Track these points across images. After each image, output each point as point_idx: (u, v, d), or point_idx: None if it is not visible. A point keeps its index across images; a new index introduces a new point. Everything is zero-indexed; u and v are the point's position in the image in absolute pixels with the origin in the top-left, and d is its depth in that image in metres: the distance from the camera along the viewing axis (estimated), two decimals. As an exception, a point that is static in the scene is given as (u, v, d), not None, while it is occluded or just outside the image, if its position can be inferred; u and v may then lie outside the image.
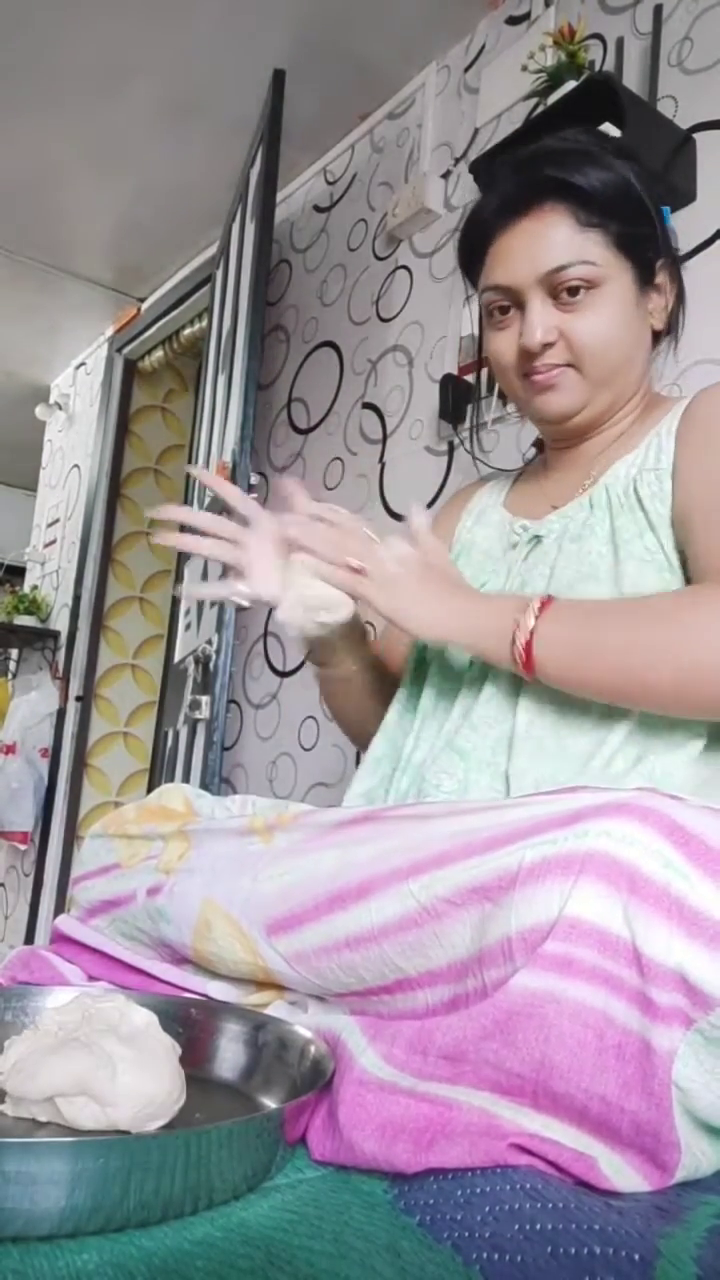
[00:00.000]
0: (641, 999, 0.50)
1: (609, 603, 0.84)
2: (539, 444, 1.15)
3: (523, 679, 0.86)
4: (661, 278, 0.97)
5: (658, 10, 1.74)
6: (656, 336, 1.01)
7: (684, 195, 1.64)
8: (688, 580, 0.87)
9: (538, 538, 0.98)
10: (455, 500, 1.20)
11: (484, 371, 1.46)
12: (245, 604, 0.95)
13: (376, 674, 1.10)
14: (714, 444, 0.90)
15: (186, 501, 2.92)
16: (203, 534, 0.97)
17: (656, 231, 0.95)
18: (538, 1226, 0.42)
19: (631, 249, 0.93)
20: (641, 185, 0.93)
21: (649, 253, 0.95)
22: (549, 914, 0.52)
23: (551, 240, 0.91)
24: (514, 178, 0.95)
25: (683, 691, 0.76)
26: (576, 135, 0.98)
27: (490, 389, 1.88)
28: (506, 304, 0.95)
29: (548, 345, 0.92)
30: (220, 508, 2.29)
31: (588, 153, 0.93)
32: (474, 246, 0.99)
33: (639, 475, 0.93)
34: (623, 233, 0.92)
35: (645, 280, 0.95)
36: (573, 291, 0.91)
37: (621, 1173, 0.50)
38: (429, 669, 1.01)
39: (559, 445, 1.05)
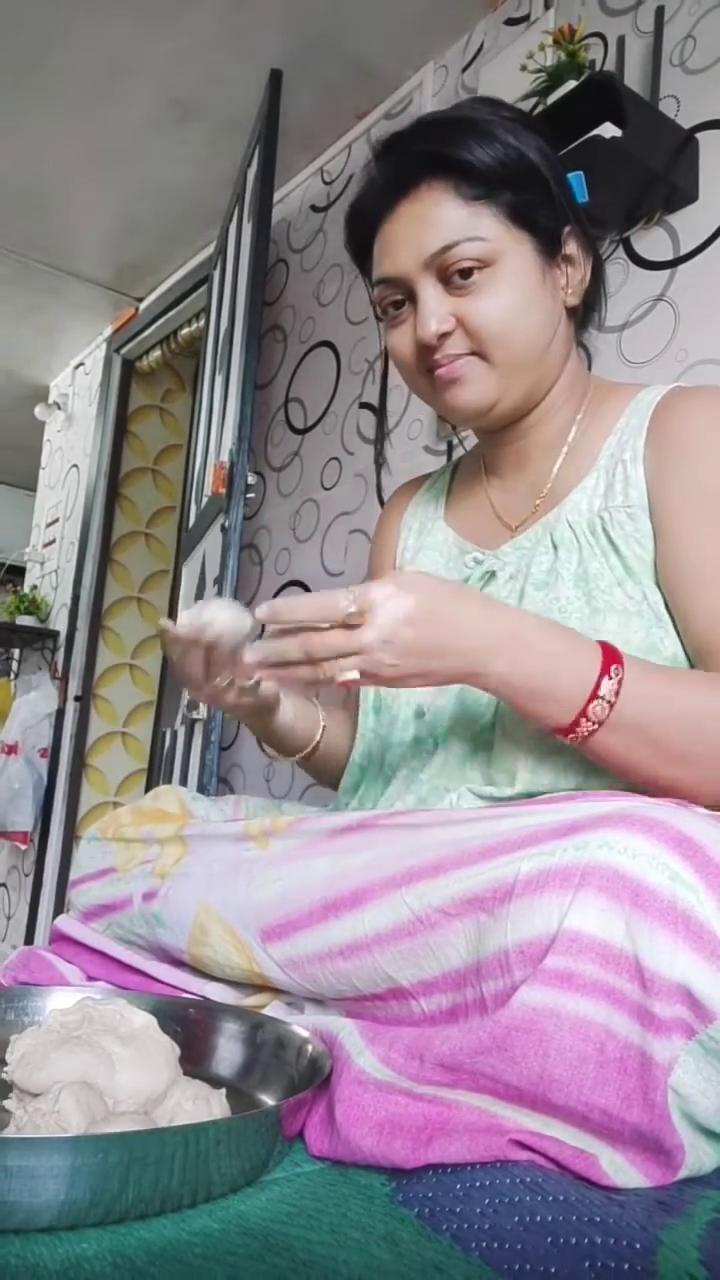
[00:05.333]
0: (643, 1012, 0.49)
1: (671, 680, 0.73)
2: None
3: (445, 774, 0.82)
4: (571, 248, 0.88)
5: (659, 10, 1.75)
6: (576, 313, 0.92)
7: (685, 195, 1.64)
8: (678, 634, 0.80)
9: (492, 573, 0.89)
10: (390, 511, 1.11)
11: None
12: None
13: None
14: (698, 491, 0.80)
15: (185, 502, 2.92)
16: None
17: (555, 197, 0.85)
18: (538, 1218, 0.42)
19: (528, 219, 0.84)
20: (535, 150, 0.84)
21: (550, 221, 0.85)
22: (547, 927, 0.51)
23: (434, 220, 0.82)
24: (387, 159, 0.87)
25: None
26: (460, 106, 0.90)
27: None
28: (399, 297, 0.87)
29: (445, 335, 0.84)
30: (217, 508, 2.29)
31: (466, 121, 0.84)
32: (359, 240, 0.91)
33: (607, 513, 0.84)
34: (515, 201, 0.83)
35: (550, 252, 0.86)
36: (465, 273, 0.82)
37: (623, 1170, 0.49)
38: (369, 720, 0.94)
39: (492, 441, 0.96)
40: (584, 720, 0.68)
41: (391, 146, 0.87)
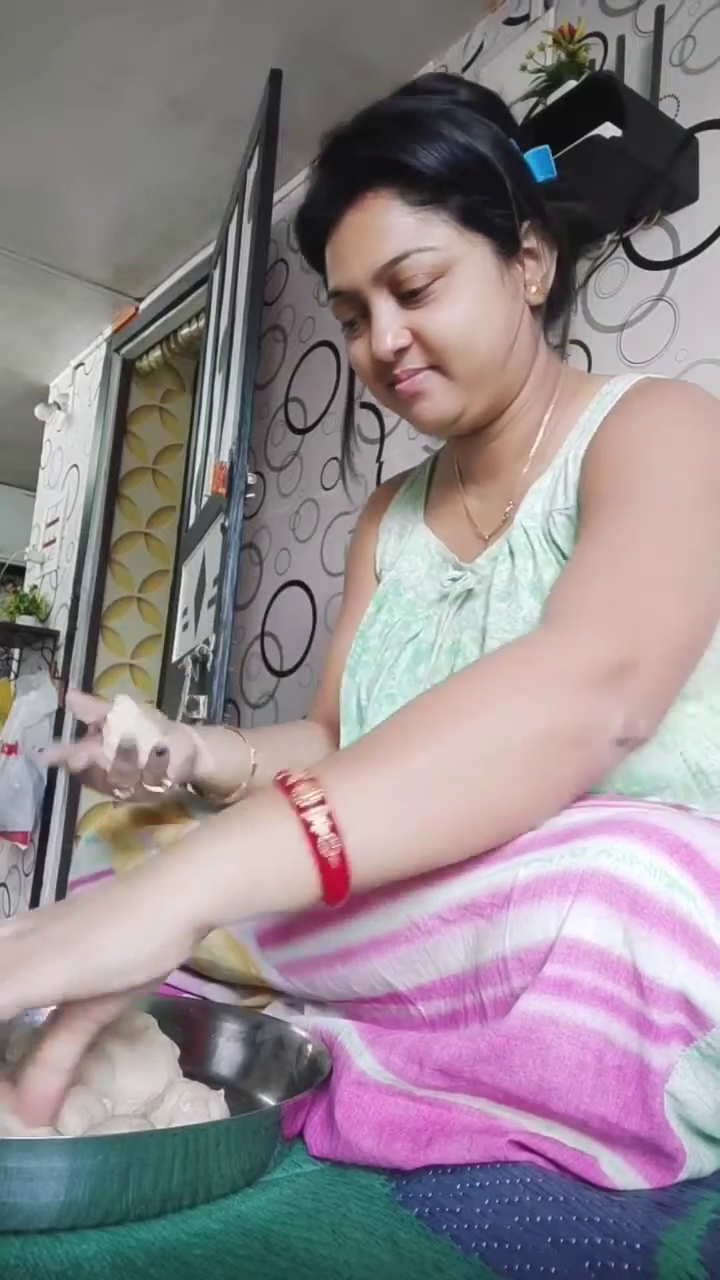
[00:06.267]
0: (640, 1020, 0.49)
1: (385, 766, 0.55)
2: None
3: None
4: (531, 241, 0.83)
5: (659, 10, 1.74)
6: (545, 309, 0.87)
7: (685, 195, 1.64)
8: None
9: (469, 591, 0.86)
10: (369, 513, 1.08)
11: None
12: None
13: None
14: (607, 461, 0.76)
15: (184, 503, 2.92)
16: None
17: (509, 192, 0.79)
18: (538, 1219, 0.42)
19: (481, 220, 0.79)
20: (488, 142, 0.78)
21: (505, 220, 0.80)
22: (546, 935, 0.51)
23: (380, 229, 0.78)
24: (328, 165, 0.82)
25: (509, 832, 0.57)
26: (408, 92, 0.84)
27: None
28: (352, 310, 0.83)
29: (402, 350, 0.80)
30: (217, 508, 2.29)
31: (410, 118, 0.79)
32: (311, 248, 0.87)
33: (551, 517, 0.81)
34: (467, 204, 0.78)
35: (508, 251, 0.81)
36: (418, 285, 0.78)
37: (622, 1172, 0.49)
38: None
39: (464, 445, 0.93)
40: (335, 872, 0.51)
41: (333, 151, 0.82)
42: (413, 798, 0.54)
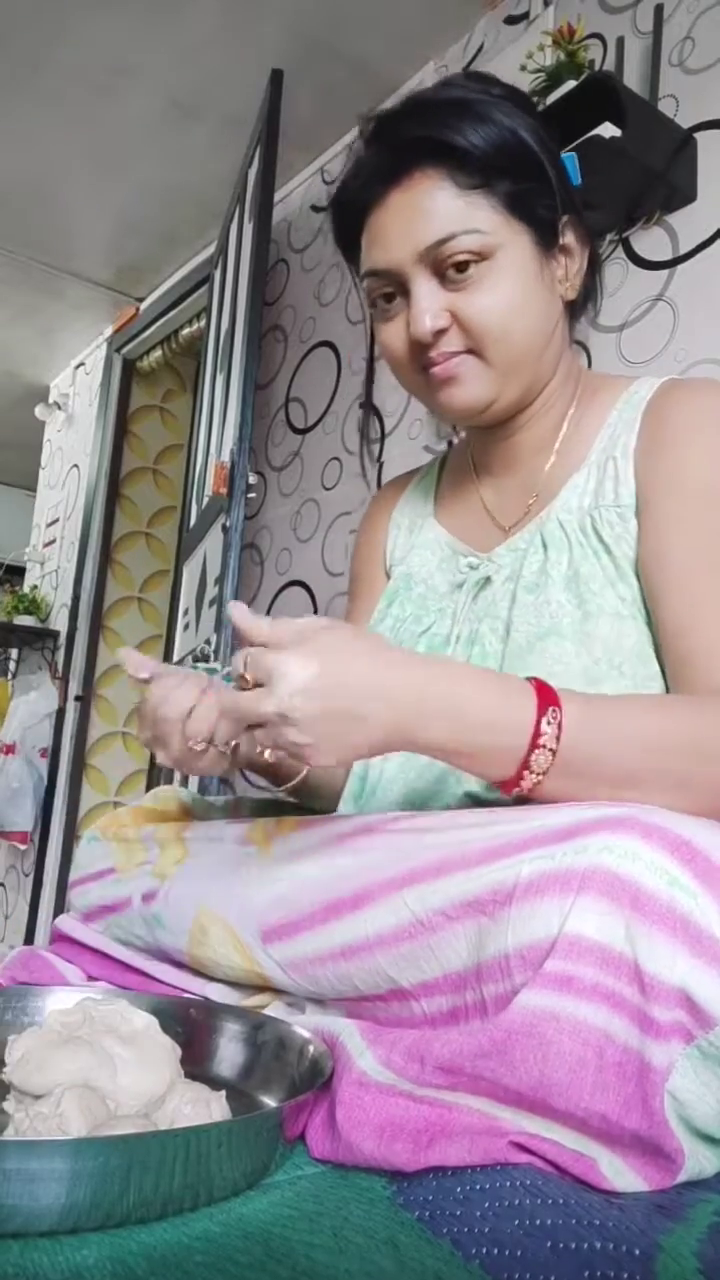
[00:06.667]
0: (641, 1016, 0.49)
1: (612, 713, 0.65)
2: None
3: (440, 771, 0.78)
4: (568, 238, 0.84)
5: (658, 10, 1.74)
6: (572, 307, 0.88)
7: (684, 195, 1.64)
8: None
9: (487, 578, 0.86)
10: (377, 508, 1.08)
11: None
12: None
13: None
14: (681, 486, 0.77)
15: (185, 503, 2.92)
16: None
17: (554, 186, 0.81)
18: (538, 1222, 0.42)
19: (526, 209, 0.80)
20: (532, 134, 0.80)
21: (548, 211, 0.81)
22: (548, 932, 0.51)
23: (428, 211, 0.78)
24: (378, 143, 0.82)
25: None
26: (451, 84, 0.84)
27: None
28: (390, 290, 0.82)
29: (440, 332, 0.80)
30: (218, 508, 2.29)
31: (462, 103, 0.79)
32: (347, 229, 0.86)
33: (597, 511, 0.82)
34: (514, 191, 0.79)
35: (547, 244, 0.82)
36: (461, 267, 0.78)
37: (622, 1174, 0.49)
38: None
39: (483, 437, 0.93)
40: (526, 774, 0.62)
41: (382, 130, 0.82)
42: (614, 758, 0.63)
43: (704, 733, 0.64)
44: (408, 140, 0.79)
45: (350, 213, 0.85)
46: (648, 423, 0.82)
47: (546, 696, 0.62)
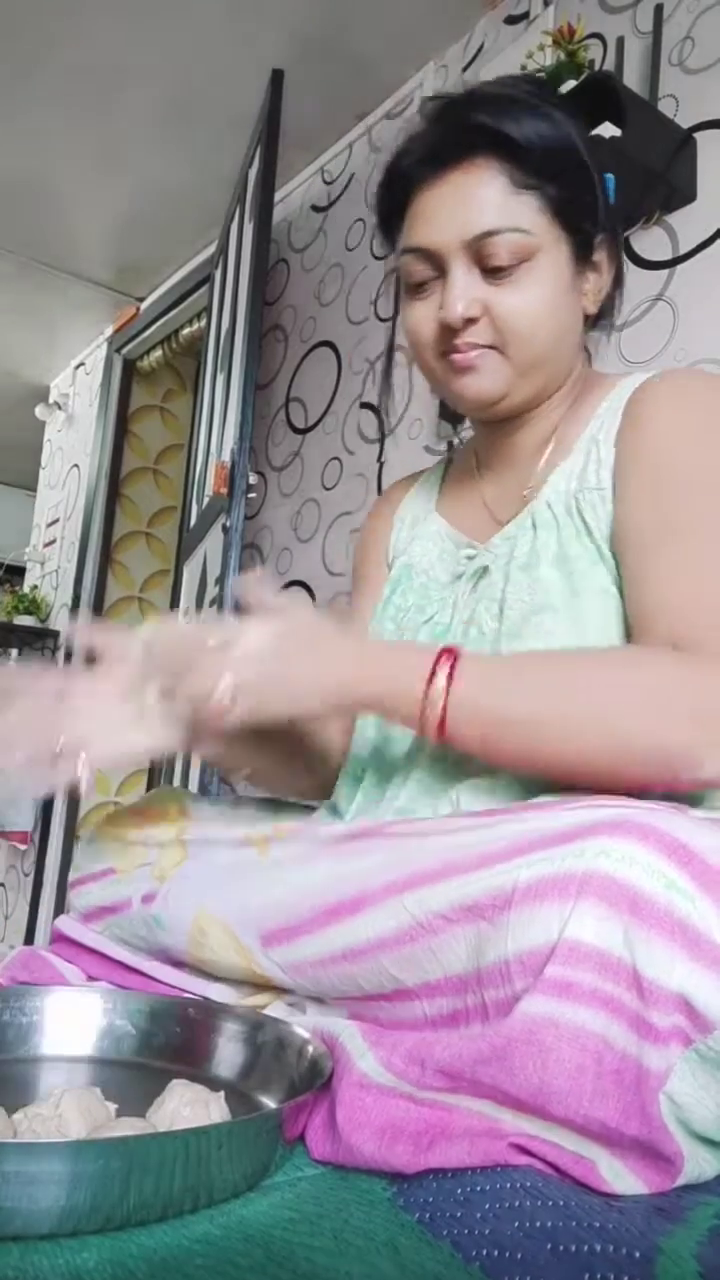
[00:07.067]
0: (640, 1021, 0.49)
1: (527, 661, 0.74)
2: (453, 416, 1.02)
3: (445, 762, 0.79)
4: (600, 255, 0.86)
5: (658, 10, 1.74)
6: (589, 319, 0.90)
7: (684, 195, 1.64)
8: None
9: (485, 568, 0.88)
10: (383, 505, 1.09)
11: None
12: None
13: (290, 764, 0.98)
14: (648, 459, 0.79)
15: (185, 503, 2.92)
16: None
17: (598, 201, 0.83)
18: (538, 1224, 0.42)
19: (569, 219, 0.82)
20: (585, 144, 0.82)
21: (588, 225, 0.83)
22: (548, 937, 0.51)
23: (481, 200, 0.79)
24: (441, 123, 0.83)
25: (599, 770, 0.66)
26: (515, 81, 0.86)
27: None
28: (427, 269, 0.83)
29: (470, 321, 0.81)
30: (218, 508, 2.29)
31: (526, 101, 0.81)
32: (394, 200, 0.87)
33: (581, 494, 0.83)
34: (561, 198, 0.81)
35: (582, 257, 0.84)
36: (501, 263, 0.80)
37: (621, 1176, 0.49)
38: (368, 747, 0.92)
39: (488, 433, 0.95)
40: (427, 707, 0.68)
41: (446, 112, 0.83)
42: (512, 713, 0.68)
43: (624, 677, 0.68)
44: (472, 125, 0.80)
45: (399, 186, 0.86)
46: (629, 409, 0.84)
47: (447, 649, 0.70)
